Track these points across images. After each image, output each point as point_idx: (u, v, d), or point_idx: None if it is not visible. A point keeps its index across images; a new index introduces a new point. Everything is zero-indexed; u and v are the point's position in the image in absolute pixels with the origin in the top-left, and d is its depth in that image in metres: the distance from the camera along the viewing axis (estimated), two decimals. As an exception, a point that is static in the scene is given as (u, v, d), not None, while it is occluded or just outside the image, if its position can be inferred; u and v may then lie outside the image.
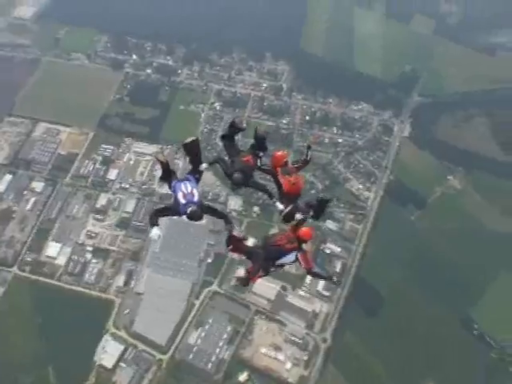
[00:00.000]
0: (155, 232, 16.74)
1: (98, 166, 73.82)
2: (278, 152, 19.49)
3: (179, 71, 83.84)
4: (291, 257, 18.36)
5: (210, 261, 66.16)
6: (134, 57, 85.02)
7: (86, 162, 74.36)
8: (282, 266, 18.65)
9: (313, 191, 70.93)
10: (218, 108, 78.59)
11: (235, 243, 18.20)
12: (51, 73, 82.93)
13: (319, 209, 20.11)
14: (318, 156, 73.39)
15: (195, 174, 17.78)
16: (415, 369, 62.08)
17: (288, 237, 18.38)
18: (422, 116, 79.90)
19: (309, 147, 20.94)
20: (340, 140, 76.06)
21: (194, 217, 16.22)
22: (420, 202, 71.90)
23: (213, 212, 17.33)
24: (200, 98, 79.43)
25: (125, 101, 79.97)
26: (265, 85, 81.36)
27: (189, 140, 17.98)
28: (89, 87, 79.61)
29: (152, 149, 74.29)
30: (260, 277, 18.51)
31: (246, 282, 18.33)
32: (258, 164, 19.43)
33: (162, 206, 17.90)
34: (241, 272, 18.05)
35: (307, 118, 77.18)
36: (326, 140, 75.45)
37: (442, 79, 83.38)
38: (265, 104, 78.87)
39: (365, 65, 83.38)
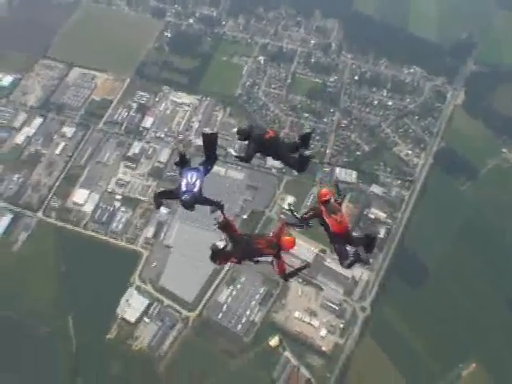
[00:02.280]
0: (163, 212, 21.12)
1: (132, 113, 70.30)
2: (324, 189, 19.13)
3: (223, 22, 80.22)
4: (268, 257, 18.66)
5: (245, 217, 62.26)
6: (176, 6, 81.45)
7: (121, 108, 70.91)
8: (258, 261, 18.97)
9: (358, 153, 66.69)
10: (261, 62, 74.55)
11: (226, 228, 18.63)
12: (90, 17, 79.78)
13: (369, 245, 19.96)
14: (366, 118, 68.96)
15: (207, 166, 18.45)
16: (457, 348, 57.21)
17: (269, 242, 18.57)
18: (477, 85, 74.45)
19: (337, 186, 21.23)
20: (390, 103, 71.13)
21: (185, 205, 17.29)
22: (471, 173, 66.82)
23: (209, 203, 18.15)
24: (243, 51, 75.56)
25: (164, 49, 76.32)
26: (312, 41, 77.02)
27: (209, 131, 18.99)
28: (128, 34, 76.12)
29: (191, 99, 70.61)
30: (232, 262, 18.62)
31: (215, 256, 18.31)
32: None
33: (166, 189, 19.03)
34: (220, 244, 17.31)
35: (356, 77, 72.47)
36: (375, 102, 70.69)
37: (501, 49, 77.76)
38: (312, 60, 74.46)
39: (419, 28, 78.20)
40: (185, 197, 17.16)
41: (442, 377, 56.36)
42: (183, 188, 17.47)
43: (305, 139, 19.71)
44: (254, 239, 18.75)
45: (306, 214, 19.57)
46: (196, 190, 17.44)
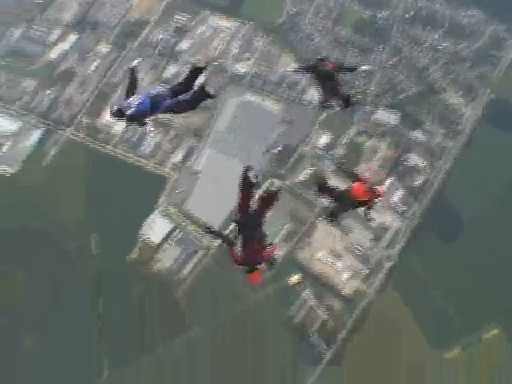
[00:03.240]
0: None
1: (168, 35, 67.13)
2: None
3: None
4: None
5: (276, 151, 59.83)
6: None
7: (157, 29, 67.86)
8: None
9: (403, 95, 62.53)
10: (307, -11, 69.32)
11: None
12: None
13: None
14: (416, 58, 64.16)
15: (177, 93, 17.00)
16: (482, 310, 54.12)
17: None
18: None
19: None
20: (443, 45, 65.66)
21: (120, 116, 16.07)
22: (524, 128, 61.93)
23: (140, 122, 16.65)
24: (290, -25, 70.24)
25: (206, -30, 71.67)
26: (364, -29, 70.80)
27: (203, 64, 18.11)
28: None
29: (230, 24, 66.92)
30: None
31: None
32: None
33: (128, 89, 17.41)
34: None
35: (410, 14, 66.98)
36: (428, 43, 65.42)
37: None
38: (363, -9, 68.88)
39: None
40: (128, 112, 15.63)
41: (463, 338, 53.77)
42: (131, 100, 16.14)
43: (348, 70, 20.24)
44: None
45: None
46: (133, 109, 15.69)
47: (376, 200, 17.86)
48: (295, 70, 19.34)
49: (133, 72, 16.96)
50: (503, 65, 65.17)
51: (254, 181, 16.29)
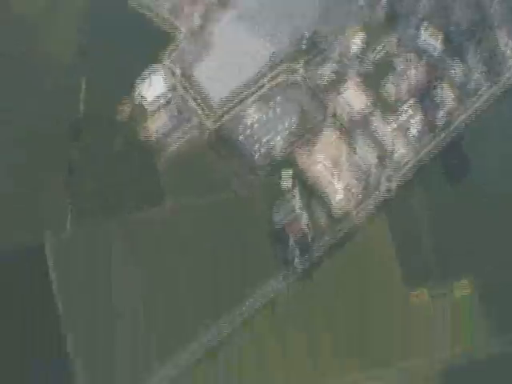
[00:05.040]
0: None
1: None
2: None
3: None
4: None
5: (305, 38, 53.99)
6: None
7: None
8: None
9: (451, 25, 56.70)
10: None
11: None
12: None
13: None
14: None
15: None
16: (461, 263, 52.55)
17: None
18: None
19: None
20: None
21: None
22: None
23: None
24: None
25: None
26: None
27: None
28: None
29: None
30: None
31: None
32: None
33: None
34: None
35: None
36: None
37: None
38: None
39: None
40: None
41: (437, 282, 52.39)
42: None
43: None
44: None
45: None
46: None
47: None
48: None
49: None
50: None
51: None
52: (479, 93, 55.76)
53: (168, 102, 52.23)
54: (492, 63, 56.53)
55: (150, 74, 52.52)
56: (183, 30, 53.99)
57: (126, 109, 52.08)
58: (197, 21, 53.93)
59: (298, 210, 51.75)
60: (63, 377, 47.21)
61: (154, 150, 51.74)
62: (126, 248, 50.02)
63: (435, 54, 55.48)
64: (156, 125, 52.17)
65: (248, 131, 52.25)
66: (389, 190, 53.30)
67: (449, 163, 54.84)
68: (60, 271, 48.91)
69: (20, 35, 54.14)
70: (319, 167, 52.79)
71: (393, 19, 56.44)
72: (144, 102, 52.35)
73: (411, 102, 54.22)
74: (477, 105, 55.53)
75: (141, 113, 52.09)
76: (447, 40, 56.27)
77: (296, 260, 51.19)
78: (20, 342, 47.23)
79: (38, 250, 49.10)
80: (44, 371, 46.57)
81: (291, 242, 51.22)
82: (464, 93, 55.53)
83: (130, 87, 52.54)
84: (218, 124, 52.32)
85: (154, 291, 49.42)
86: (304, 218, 51.77)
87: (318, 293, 51.43)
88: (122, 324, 48.64)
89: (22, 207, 50.60)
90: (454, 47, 56.05)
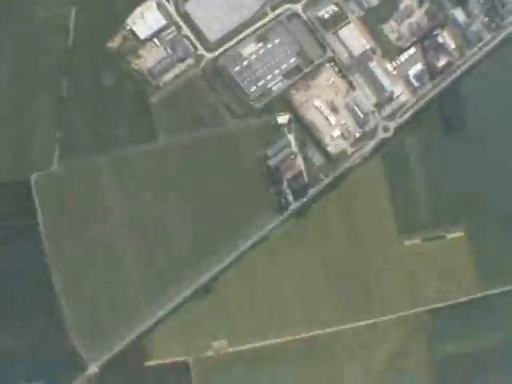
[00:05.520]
0: None
1: None
2: None
3: None
4: None
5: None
6: None
7: None
8: None
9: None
10: None
11: None
12: None
13: None
14: None
15: None
16: (455, 213, 52.75)
17: None
18: None
19: None
20: None
21: None
22: None
23: None
24: None
25: None
26: None
27: None
28: None
29: None
30: None
31: None
32: None
33: None
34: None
35: None
36: None
37: None
38: None
39: None
40: None
41: (429, 231, 52.51)
42: None
43: None
44: None
45: None
46: None
47: None
48: None
49: None
50: None
51: None
52: (480, 44, 54.77)
53: (162, 40, 49.85)
54: (495, 14, 55.41)
55: (143, 8, 49.93)
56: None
57: (118, 39, 49.66)
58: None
59: (293, 147, 50.47)
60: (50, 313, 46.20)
61: (146, 84, 49.41)
62: (116, 184, 48.21)
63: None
64: (149, 63, 49.78)
65: (245, 62, 50.29)
66: (386, 129, 52.30)
67: (446, 110, 53.76)
68: (46, 208, 47.04)
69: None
70: (317, 104, 51.27)
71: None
72: (136, 30, 49.57)
73: (412, 45, 53.25)
74: (477, 57, 54.54)
75: (134, 49, 49.64)
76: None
77: (290, 199, 50.19)
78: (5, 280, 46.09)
79: (24, 186, 46.98)
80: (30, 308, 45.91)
81: (285, 182, 49.89)
82: (465, 42, 54.46)
83: (122, 19, 49.68)
84: (214, 54, 50.18)
85: (146, 228, 47.99)
86: (299, 156, 50.57)
87: (311, 234, 50.51)
88: (113, 260, 47.43)
89: (9, 141, 48.34)
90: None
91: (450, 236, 52.76)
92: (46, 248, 46.55)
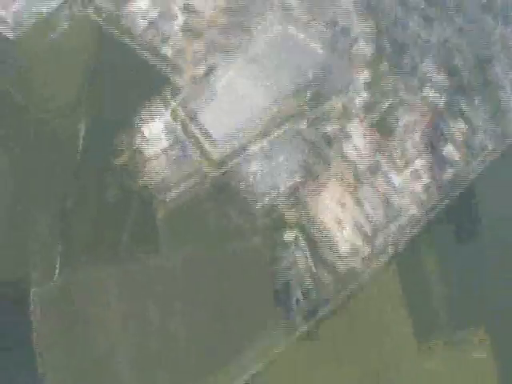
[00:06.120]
0: None
1: None
2: None
3: None
4: None
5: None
6: None
7: None
8: None
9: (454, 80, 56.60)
10: None
11: None
12: None
13: None
14: (479, 45, 58.29)
15: None
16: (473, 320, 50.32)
17: None
18: None
19: None
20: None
21: None
22: None
23: None
24: None
25: None
26: None
27: None
28: None
29: None
30: None
31: None
32: None
33: None
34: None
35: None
36: (497, 33, 58.78)
37: None
38: None
39: None
40: None
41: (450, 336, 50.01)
42: None
43: None
44: None
45: None
46: None
47: None
48: None
49: None
50: None
51: None
52: (485, 153, 55.10)
53: (167, 150, 50.81)
54: (497, 123, 56.39)
55: (149, 118, 51.31)
56: (187, 74, 53.15)
57: (125, 155, 50.73)
58: (201, 70, 53.48)
59: (300, 265, 49.42)
60: None
61: (152, 198, 49.72)
62: (119, 298, 46.87)
63: (438, 108, 55.10)
64: (155, 170, 50.42)
65: (250, 179, 50.70)
66: (396, 244, 51.28)
67: (458, 218, 53.34)
68: (43, 324, 45.26)
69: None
70: (323, 220, 50.61)
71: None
72: (143, 146, 50.90)
73: (417, 158, 53.88)
74: (483, 166, 54.69)
75: (140, 160, 50.50)
76: (450, 96, 56.14)
77: (298, 318, 48.42)
78: None
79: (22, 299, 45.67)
80: None
81: (293, 299, 48.59)
82: (469, 152, 54.60)
83: (129, 131, 50.95)
84: (220, 172, 50.74)
85: (148, 340, 46.10)
86: (307, 274, 49.30)
87: (321, 355, 48.21)
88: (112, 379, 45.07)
89: (10, 249, 47.75)
90: (456, 104, 55.65)
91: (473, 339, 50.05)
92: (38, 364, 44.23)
